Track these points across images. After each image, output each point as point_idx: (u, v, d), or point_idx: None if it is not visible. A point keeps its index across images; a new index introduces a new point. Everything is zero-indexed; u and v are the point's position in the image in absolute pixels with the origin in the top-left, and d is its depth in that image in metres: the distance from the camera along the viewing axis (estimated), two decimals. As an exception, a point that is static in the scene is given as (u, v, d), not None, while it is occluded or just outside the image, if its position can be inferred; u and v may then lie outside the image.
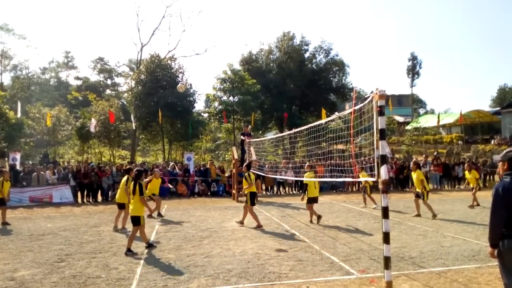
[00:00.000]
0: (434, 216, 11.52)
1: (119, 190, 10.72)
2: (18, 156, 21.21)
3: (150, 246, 8.32)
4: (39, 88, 57.85)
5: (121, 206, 10.46)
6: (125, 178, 10.29)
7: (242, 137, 17.72)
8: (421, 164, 18.41)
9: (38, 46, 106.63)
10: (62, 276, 6.51)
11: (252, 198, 10.75)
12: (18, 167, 19.37)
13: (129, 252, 7.82)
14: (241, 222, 10.96)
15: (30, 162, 23.15)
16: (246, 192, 10.80)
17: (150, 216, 12.19)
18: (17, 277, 6.48)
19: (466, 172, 15.10)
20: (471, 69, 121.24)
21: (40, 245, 8.91)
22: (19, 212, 14.54)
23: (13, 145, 28.18)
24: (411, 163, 14.13)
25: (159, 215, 12.76)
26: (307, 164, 11.92)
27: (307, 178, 11.20)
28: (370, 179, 8.29)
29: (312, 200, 11.22)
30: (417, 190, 12.04)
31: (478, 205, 13.99)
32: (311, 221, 11.22)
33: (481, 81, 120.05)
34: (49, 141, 33.21)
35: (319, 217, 11.04)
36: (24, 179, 17.35)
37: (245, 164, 11.95)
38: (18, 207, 15.74)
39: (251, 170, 11.51)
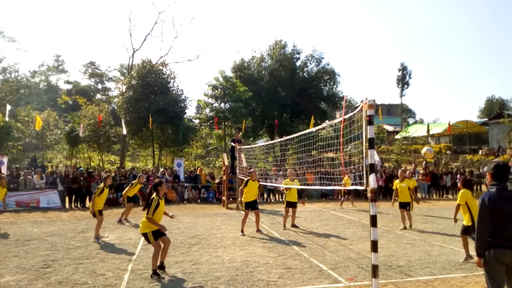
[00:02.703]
0: (404, 227, 11.44)
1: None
2: (5, 159, 20.87)
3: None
4: (29, 91, 57.17)
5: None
6: (101, 185, 10.43)
7: (232, 143, 17.72)
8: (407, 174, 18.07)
9: (28, 49, 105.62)
10: (48, 282, 6.43)
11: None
12: (3, 170, 19.05)
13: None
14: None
15: (17, 166, 22.83)
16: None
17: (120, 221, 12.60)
18: (2, 283, 6.37)
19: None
20: (460, 80, 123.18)
21: (26, 250, 8.78)
22: (5, 216, 14.31)
23: (0, 149, 27.79)
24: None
25: (124, 220, 12.85)
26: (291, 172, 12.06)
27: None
28: (353, 187, 8.36)
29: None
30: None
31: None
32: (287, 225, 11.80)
33: (469, 92, 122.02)
34: (38, 145, 32.84)
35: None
36: (11, 183, 17.11)
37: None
38: (4, 211, 15.50)
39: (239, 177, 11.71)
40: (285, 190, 11.78)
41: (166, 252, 7.04)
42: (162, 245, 6.91)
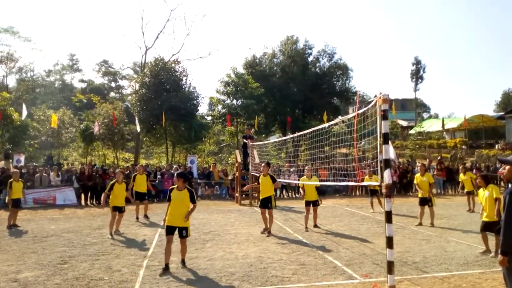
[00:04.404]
0: (420, 224, 11.33)
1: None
2: (22, 157, 21.34)
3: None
4: (44, 90, 58.10)
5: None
6: (113, 181, 10.65)
7: (244, 140, 17.73)
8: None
9: (43, 48, 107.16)
10: (65, 278, 6.53)
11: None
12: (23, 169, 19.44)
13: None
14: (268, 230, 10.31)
15: (34, 164, 23.26)
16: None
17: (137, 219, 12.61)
18: (20, 279, 6.50)
19: (461, 175, 14.88)
20: (475, 73, 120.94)
21: (44, 246, 8.94)
22: (23, 213, 14.57)
23: (17, 147, 28.35)
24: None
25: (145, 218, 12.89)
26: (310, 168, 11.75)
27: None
28: (375, 183, 8.25)
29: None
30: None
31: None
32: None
33: (485, 85, 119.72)
34: (53, 143, 33.37)
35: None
36: (28, 180, 17.42)
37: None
38: (22, 208, 15.79)
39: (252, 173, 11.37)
40: (302, 191, 11.13)
41: (185, 249, 7.23)
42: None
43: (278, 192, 20.22)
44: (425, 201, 11.33)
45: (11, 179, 11.99)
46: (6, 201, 12.71)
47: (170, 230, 7.00)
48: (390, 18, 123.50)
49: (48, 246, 9.00)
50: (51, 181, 17.90)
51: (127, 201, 10.95)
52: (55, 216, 14.09)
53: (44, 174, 17.96)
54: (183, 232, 6.99)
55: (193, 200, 7.02)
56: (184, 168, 20.91)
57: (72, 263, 7.46)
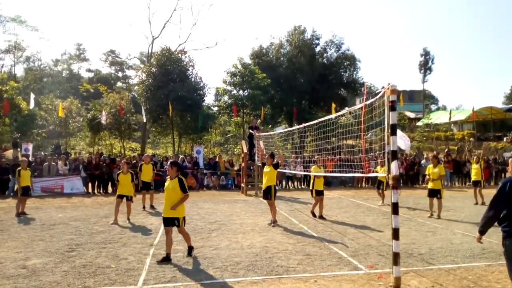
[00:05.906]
0: (431, 215, 11.36)
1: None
2: (30, 146, 21.53)
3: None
4: (51, 79, 58.38)
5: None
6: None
7: (250, 130, 17.71)
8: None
9: (50, 38, 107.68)
10: (72, 265, 6.61)
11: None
12: (30, 157, 19.61)
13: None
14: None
15: (43, 153, 23.46)
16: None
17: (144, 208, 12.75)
18: (29, 266, 6.59)
19: (474, 164, 14.65)
20: (485, 65, 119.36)
21: (52, 234, 9.04)
22: (31, 201, 14.71)
23: (25, 136, 28.61)
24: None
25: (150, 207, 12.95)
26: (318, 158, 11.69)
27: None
28: (382, 174, 8.20)
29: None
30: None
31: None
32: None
33: (494, 77, 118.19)
34: (61, 132, 33.61)
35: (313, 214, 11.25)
36: (36, 169, 17.59)
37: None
38: (31, 196, 15.94)
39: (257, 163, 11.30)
40: (313, 178, 11.10)
41: (186, 238, 7.21)
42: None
43: (284, 183, 20.26)
44: (434, 193, 11.34)
45: (19, 167, 12.15)
46: (15, 189, 12.95)
47: (165, 221, 6.98)
48: (399, 8, 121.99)
49: (56, 234, 9.11)
50: (58, 170, 18.04)
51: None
52: (63, 205, 14.23)
53: (52, 163, 18.11)
54: (175, 222, 6.89)
55: (183, 189, 6.81)
56: (190, 158, 20.99)
57: (80, 251, 7.55)
